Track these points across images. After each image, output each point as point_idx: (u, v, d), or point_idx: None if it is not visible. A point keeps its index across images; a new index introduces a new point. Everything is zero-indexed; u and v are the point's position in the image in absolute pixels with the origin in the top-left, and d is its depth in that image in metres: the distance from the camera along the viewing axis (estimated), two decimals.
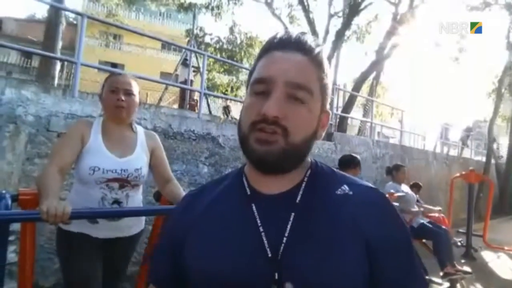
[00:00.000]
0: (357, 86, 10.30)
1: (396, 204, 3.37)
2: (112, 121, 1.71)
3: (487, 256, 5.88)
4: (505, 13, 12.14)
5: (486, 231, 6.06)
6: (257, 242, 0.61)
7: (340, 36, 10.70)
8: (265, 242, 0.60)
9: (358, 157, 3.25)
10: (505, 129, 20.19)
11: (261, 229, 0.61)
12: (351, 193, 0.65)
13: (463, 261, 5.19)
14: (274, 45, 0.64)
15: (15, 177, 2.85)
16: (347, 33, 11.81)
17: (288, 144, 0.60)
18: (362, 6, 10.58)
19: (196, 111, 6.05)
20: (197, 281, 0.64)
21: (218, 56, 13.12)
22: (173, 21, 22.67)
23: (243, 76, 15.68)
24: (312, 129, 0.64)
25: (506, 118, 18.47)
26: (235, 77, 16.16)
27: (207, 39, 14.61)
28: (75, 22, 16.62)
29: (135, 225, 1.81)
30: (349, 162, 3.12)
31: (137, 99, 1.75)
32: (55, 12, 7.66)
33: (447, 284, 4.05)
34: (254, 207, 0.64)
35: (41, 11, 32.42)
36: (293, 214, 0.62)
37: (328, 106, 0.69)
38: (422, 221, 4.37)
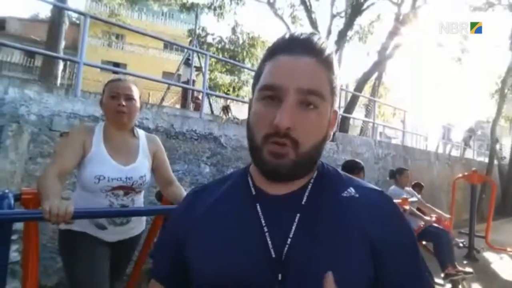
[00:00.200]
0: (359, 86, 10.28)
1: (407, 207, 3.37)
2: (113, 127, 1.71)
3: (490, 257, 5.86)
4: (509, 14, 12.09)
5: (488, 232, 6.04)
6: (261, 242, 0.60)
7: (342, 36, 10.70)
8: (269, 242, 0.60)
9: (362, 162, 3.25)
10: (508, 130, 20.15)
11: (265, 229, 0.61)
12: (357, 195, 0.65)
13: (465, 262, 5.18)
14: (282, 48, 0.63)
15: (18, 176, 2.86)
16: (350, 33, 11.81)
17: (298, 155, 0.60)
18: (365, 6, 10.58)
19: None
20: (200, 280, 0.64)
21: (220, 56, 13.12)
22: (176, 21, 22.70)
23: (245, 76, 15.70)
24: (323, 133, 0.64)
25: (509, 119, 18.43)
26: (237, 77, 16.18)
27: (209, 39, 14.67)
28: (78, 22, 16.68)
29: (137, 227, 1.82)
30: (352, 168, 3.11)
31: (138, 104, 1.75)
32: (58, 12, 7.69)
33: (449, 285, 4.04)
34: (259, 207, 0.64)
35: (45, 11, 32.53)
36: (298, 215, 0.62)
37: (336, 105, 0.68)
38: (419, 223, 4.36)
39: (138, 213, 1.85)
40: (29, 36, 17.78)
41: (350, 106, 9.63)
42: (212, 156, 4.30)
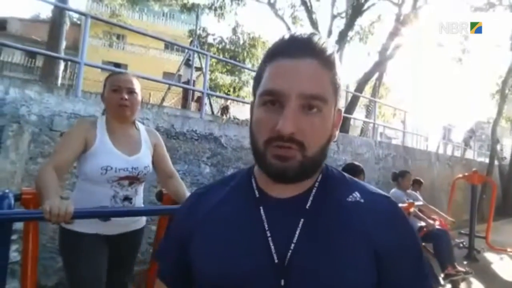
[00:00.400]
0: (360, 86, 10.28)
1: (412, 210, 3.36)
2: (115, 120, 1.72)
3: (490, 257, 5.85)
4: (509, 14, 12.08)
5: (489, 233, 6.03)
6: (264, 246, 0.59)
7: (343, 36, 10.70)
8: (272, 247, 0.59)
9: (361, 165, 3.26)
10: (509, 131, 20.13)
11: (268, 233, 0.60)
12: (362, 200, 0.63)
13: (465, 262, 5.17)
14: (282, 50, 0.61)
15: (18, 176, 2.87)
16: (350, 33, 11.81)
17: (305, 157, 0.59)
18: (365, 6, 10.58)
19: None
20: (202, 281, 0.63)
21: (221, 56, 13.13)
22: (176, 21, 22.72)
23: (246, 76, 15.70)
24: (328, 134, 0.63)
25: (510, 119, 18.39)
26: (238, 77, 16.18)
27: (209, 39, 14.66)
28: (79, 22, 16.69)
29: (138, 220, 1.83)
30: (352, 171, 3.12)
31: (139, 97, 1.76)
32: (59, 12, 7.71)
33: (448, 285, 4.04)
34: (262, 210, 0.63)
35: (46, 11, 32.60)
36: (302, 220, 0.61)
37: (339, 104, 0.66)
38: (420, 224, 4.36)
39: (141, 213, 1.86)
40: (30, 37, 17.82)
41: (350, 107, 9.63)
42: (212, 156, 4.30)
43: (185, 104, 8.44)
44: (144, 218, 1.90)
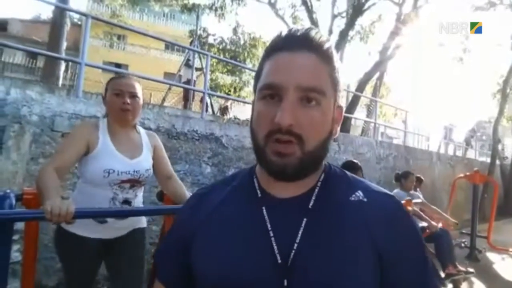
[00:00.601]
0: (361, 86, 10.27)
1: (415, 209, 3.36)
2: (117, 124, 1.73)
3: (492, 257, 5.85)
4: (510, 13, 12.06)
5: (490, 232, 6.01)
6: (267, 247, 0.59)
7: (343, 36, 10.67)
8: (275, 247, 0.59)
9: (359, 163, 3.25)
10: (510, 130, 20.08)
11: (271, 233, 0.60)
12: (365, 200, 0.63)
13: (467, 262, 5.16)
14: (280, 45, 0.61)
15: (20, 176, 2.87)
16: (351, 33, 11.77)
17: (304, 152, 0.58)
18: (366, 6, 10.55)
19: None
20: (204, 282, 0.63)
21: (221, 56, 13.13)
22: (177, 21, 22.72)
23: (246, 76, 15.69)
24: (327, 130, 0.62)
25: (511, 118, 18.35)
26: (238, 77, 16.17)
27: (210, 39, 14.65)
28: (79, 22, 16.70)
29: (137, 222, 1.82)
30: (350, 168, 3.11)
31: (141, 101, 1.77)
32: (60, 13, 7.73)
33: (450, 285, 4.03)
34: (264, 211, 0.62)
35: (46, 12, 32.62)
36: (305, 219, 0.60)
37: (340, 101, 0.66)
38: (422, 225, 4.34)
39: (142, 213, 1.86)
40: (31, 37, 17.85)
41: (351, 106, 9.62)
42: (213, 156, 4.30)
43: (186, 105, 8.45)
44: (144, 219, 1.90)
